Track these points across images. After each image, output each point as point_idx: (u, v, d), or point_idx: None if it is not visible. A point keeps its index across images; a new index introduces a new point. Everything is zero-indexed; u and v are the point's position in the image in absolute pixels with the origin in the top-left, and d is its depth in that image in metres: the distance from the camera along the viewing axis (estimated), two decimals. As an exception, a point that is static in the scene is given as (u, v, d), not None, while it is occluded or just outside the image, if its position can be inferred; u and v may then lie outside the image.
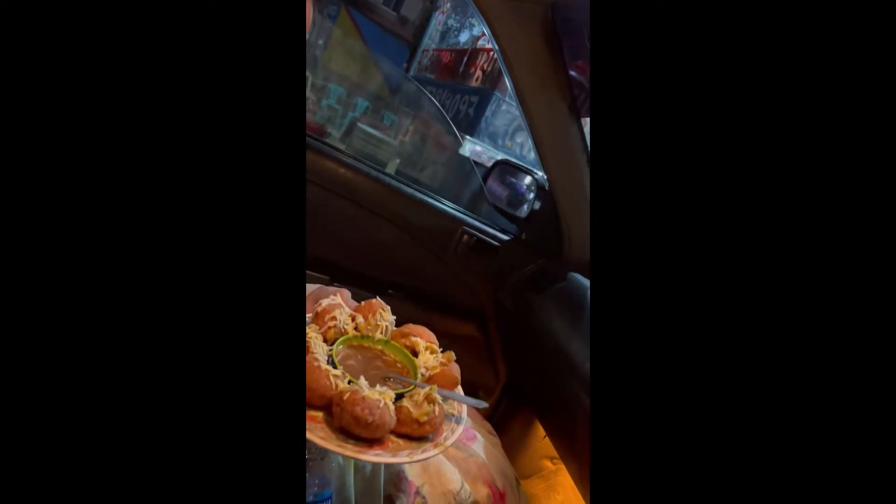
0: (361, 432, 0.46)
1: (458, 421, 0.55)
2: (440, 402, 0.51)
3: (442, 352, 0.60)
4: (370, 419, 0.45)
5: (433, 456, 0.49)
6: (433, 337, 0.63)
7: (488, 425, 0.83)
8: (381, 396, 0.47)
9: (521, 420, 1.11)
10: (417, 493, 0.60)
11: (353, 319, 0.60)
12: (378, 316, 0.61)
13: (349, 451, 0.45)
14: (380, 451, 0.47)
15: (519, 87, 0.85)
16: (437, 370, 0.57)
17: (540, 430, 1.10)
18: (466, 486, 0.64)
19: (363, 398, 0.46)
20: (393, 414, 0.48)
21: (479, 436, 0.73)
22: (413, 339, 0.61)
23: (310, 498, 0.50)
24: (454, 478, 0.63)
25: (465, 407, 0.57)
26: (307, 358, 0.49)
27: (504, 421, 1.13)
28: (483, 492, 0.65)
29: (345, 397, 0.46)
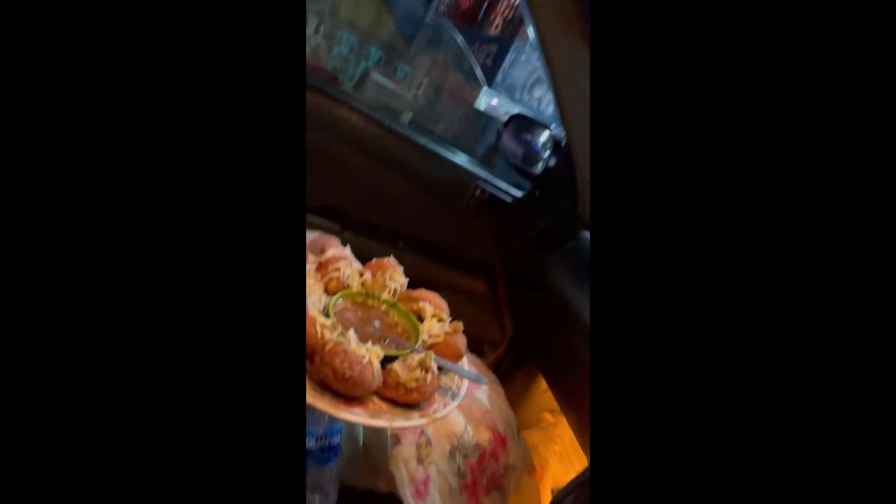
0: (339, 387, 0.44)
1: (455, 397, 0.52)
2: (434, 371, 0.49)
3: (451, 321, 0.59)
4: (348, 374, 0.43)
5: (416, 426, 0.48)
6: (444, 304, 0.61)
7: (492, 374, 0.85)
8: (367, 353, 0.45)
9: (524, 373, 1.14)
10: (422, 433, 0.62)
11: (361, 275, 0.59)
12: (388, 276, 0.59)
13: (324, 404, 0.43)
14: (358, 411, 0.45)
15: (542, 32, 0.81)
16: (441, 339, 0.55)
17: (542, 384, 1.12)
18: (469, 429, 0.66)
19: (345, 351, 0.44)
20: (378, 374, 0.46)
21: (484, 380, 0.74)
22: (421, 304, 0.59)
23: (320, 431, 0.52)
24: (458, 420, 0.65)
25: (465, 382, 0.56)
26: None
27: (508, 373, 1.16)
28: (485, 435, 0.68)
29: (327, 348, 0.45)
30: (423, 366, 0.48)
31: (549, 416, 1.21)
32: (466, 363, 0.60)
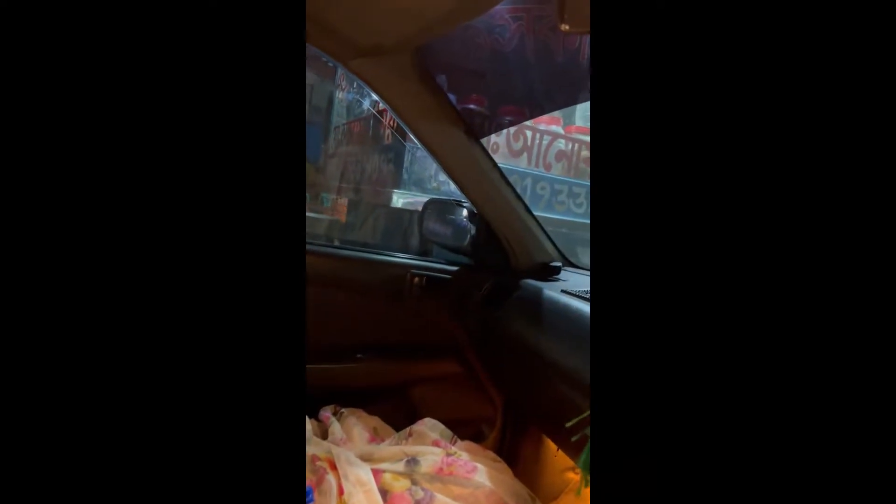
0: None
1: None
2: None
3: None
4: None
5: None
6: None
7: (490, 453, 0.81)
8: None
9: (530, 440, 1.09)
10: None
11: None
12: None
13: None
14: None
15: (415, 130, 0.91)
16: None
17: (551, 445, 1.07)
18: (480, 518, 0.62)
19: None
20: None
21: (479, 466, 0.71)
22: None
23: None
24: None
25: None
26: None
27: (516, 447, 1.10)
28: (499, 517, 0.63)
29: None
30: None
31: (573, 475, 1.13)
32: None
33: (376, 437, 0.81)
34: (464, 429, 1.10)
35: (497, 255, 1.08)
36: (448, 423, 0.91)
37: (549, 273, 1.06)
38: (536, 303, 0.94)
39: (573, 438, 0.47)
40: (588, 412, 0.41)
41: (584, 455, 0.39)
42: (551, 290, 0.93)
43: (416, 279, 1.06)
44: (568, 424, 0.42)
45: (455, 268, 1.11)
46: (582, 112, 2.49)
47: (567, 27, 0.35)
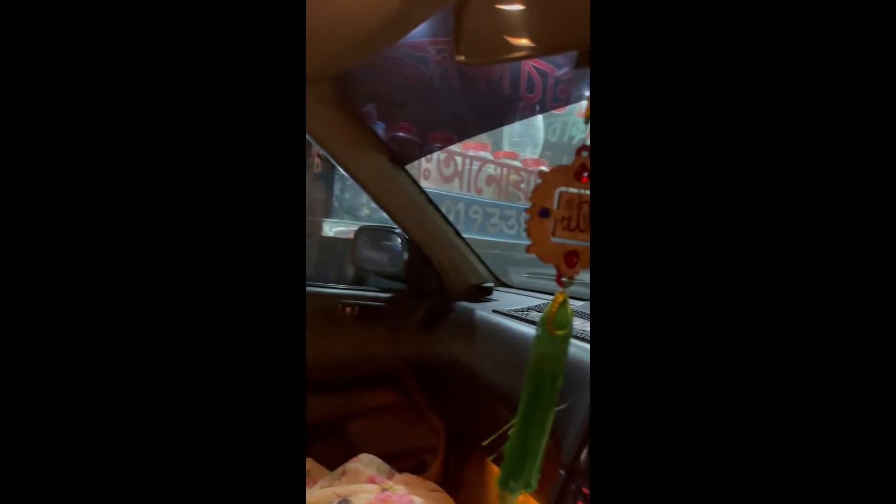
0: None
1: None
2: None
3: None
4: None
5: None
6: None
7: (430, 483, 0.79)
8: None
9: (474, 466, 1.07)
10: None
11: None
12: None
13: None
14: None
15: (338, 158, 0.91)
16: None
17: (495, 469, 1.07)
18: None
19: None
20: None
21: (416, 498, 0.69)
22: None
23: None
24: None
25: None
26: None
27: (460, 474, 1.08)
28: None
29: None
30: None
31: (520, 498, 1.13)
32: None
33: (308, 480, 0.76)
34: (406, 460, 1.07)
35: (431, 279, 1.08)
36: (389, 456, 0.88)
37: (482, 294, 1.08)
38: (470, 324, 0.95)
39: (490, 458, 0.46)
40: (504, 428, 0.40)
41: (502, 474, 0.39)
42: (483, 311, 0.94)
43: (349, 308, 1.03)
44: (484, 443, 0.42)
45: (389, 295, 1.09)
46: (509, 137, 2.61)
47: (463, 58, 0.36)
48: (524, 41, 0.37)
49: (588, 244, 0.31)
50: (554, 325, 0.34)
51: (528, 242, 0.31)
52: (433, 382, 1.04)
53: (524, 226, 0.31)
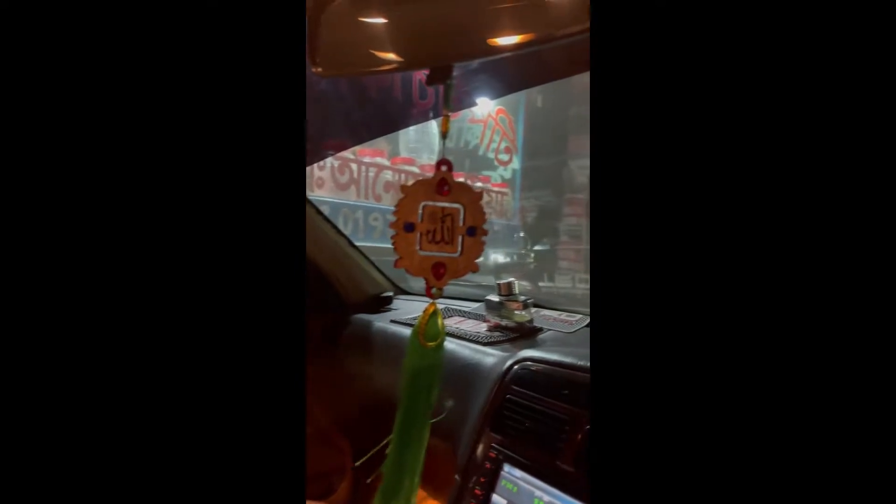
0: None
1: None
2: None
3: None
4: None
5: None
6: None
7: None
8: None
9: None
10: None
11: None
12: None
13: None
14: None
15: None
16: None
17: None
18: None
19: None
20: None
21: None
22: None
23: None
24: None
25: None
26: None
27: (370, 493, 1.05)
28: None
29: None
30: None
31: None
32: None
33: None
34: (313, 485, 1.01)
35: (327, 293, 1.04)
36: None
37: (382, 304, 1.06)
38: (368, 336, 0.93)
39: (367, 480, 0.45)
40: (379, 446, 0.40)
41: (379, 495, 0.38)
42: (381, 322, 0.93)
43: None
44: (357, 464, 0.41)
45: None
46: (405, 143, 2.63)
47: (320, 70, 0.35)
48: (386, 55, 0.36)
49: (455, 255, 0.31)
50: (425, 336, 0.33)
51: None
52: (336, 400, 1.00)
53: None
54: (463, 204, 0.31)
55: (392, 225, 0.31)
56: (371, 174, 2.31)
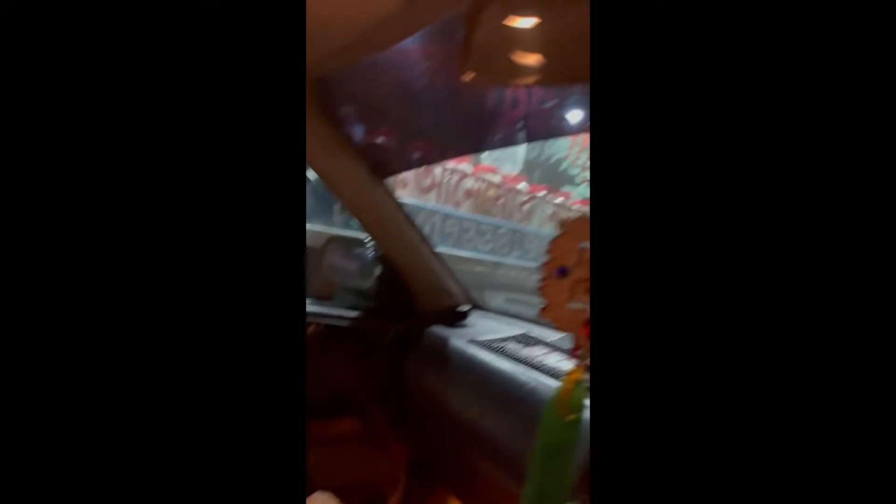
0: None
1: None
2: None
3: None
4: None
5: None
6: None
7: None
8: None
9: (436, 501, 1.01)
10: None
11: None
12: None
13: None
14: None
15: (313, 164, 0.83)
16: None
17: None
18: None
19: None
20: None
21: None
22: None
23: None
24: None
25: None
26: None
27: (420, 506, 1.01)
28: None
29: None
30: None
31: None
32: None
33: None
34: (364, 493, 0.99)
35: (402, 298, 1.02)
36: (347, 488, 0.81)
37: (457, 318, 1.02)
38: (444, 354, 0.89)
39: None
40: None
41: None
42: (459, 340, 0.89)
43: (311, 327, 0.95)
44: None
45: (356, 313, 1.02)
46: (489, 152, 2.59)
47: (473, 75, 0.31)
48: (535, 63, 0.32)
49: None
50: (568, 408, 0.28)
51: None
52: (400, 410, 0.97)
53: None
54: (632, 251, 0.25)
55: (544, 266, 0.26)
56: (453, 180, 2.30)
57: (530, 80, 0.33)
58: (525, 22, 0.32)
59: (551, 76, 0.34)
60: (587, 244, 0.26)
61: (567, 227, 0.26)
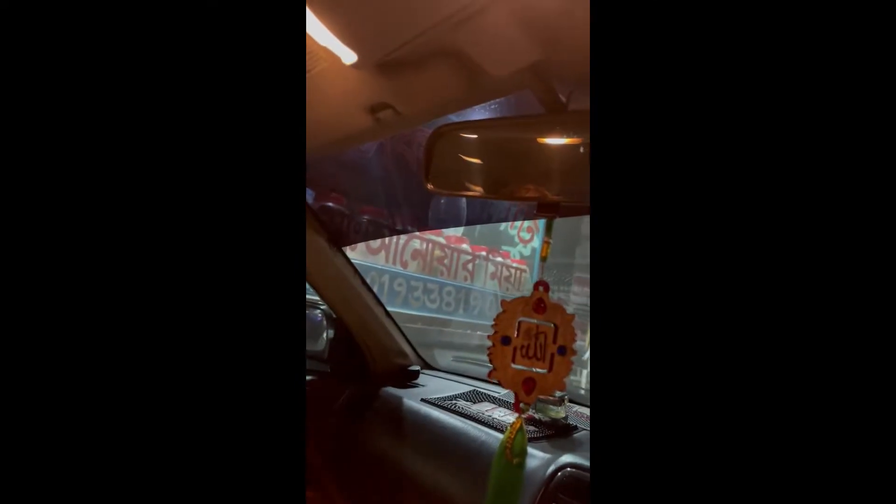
0: None
1: None
2: None
3: None
4: None
5: None
6: None
7: None
8: None
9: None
10: None
11: None
12: None
13: None
14: None
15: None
16: None
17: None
18: None
19: None
20: None
21: None
22: None
23: None
24: None
25: None
26: None
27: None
28: None
29: None
30: None
31: None
32: None
33: None
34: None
35: (355, 359, 1.04)
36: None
37: (409, 378, 1.06)
38: (398, 415, 0.91)
39: None
40: None
41: None
42: (411, 399, 0.92)
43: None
44: None
45: (308, 378, 1.03)
46: (434, 214, 2.73)
47: (431, 186, 0.40)
48: (482, 184, 0.41)
49: (545, 371, 0.33)
50: (512, 452, 0.34)
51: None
52: (355, 478, 0.96)
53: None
54: (556, 323, 0.34)
55: (490, 337, 0.34)
56: (402, 241, 2.39)
57: (480, 193, 0.42)
58: (469, 158, 0.41)
59: (498, 193, 0.43)
60: (523, 318, 0.34)
61: (507, 306, 0.35)
